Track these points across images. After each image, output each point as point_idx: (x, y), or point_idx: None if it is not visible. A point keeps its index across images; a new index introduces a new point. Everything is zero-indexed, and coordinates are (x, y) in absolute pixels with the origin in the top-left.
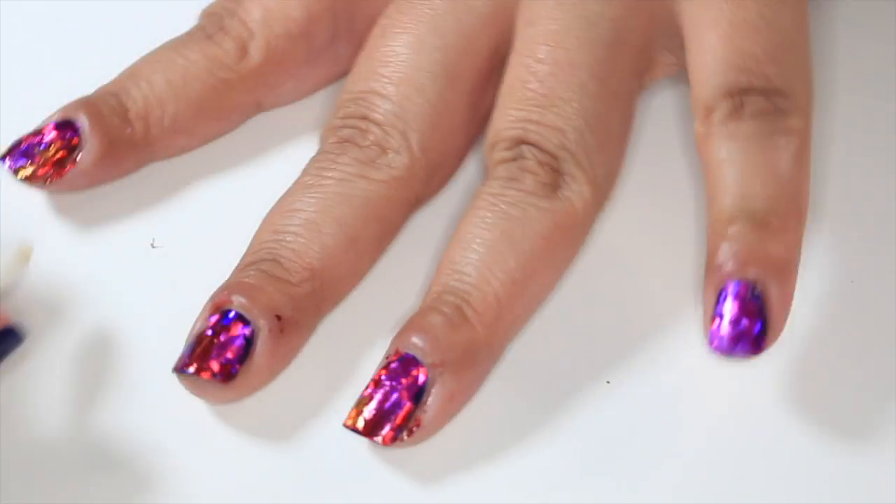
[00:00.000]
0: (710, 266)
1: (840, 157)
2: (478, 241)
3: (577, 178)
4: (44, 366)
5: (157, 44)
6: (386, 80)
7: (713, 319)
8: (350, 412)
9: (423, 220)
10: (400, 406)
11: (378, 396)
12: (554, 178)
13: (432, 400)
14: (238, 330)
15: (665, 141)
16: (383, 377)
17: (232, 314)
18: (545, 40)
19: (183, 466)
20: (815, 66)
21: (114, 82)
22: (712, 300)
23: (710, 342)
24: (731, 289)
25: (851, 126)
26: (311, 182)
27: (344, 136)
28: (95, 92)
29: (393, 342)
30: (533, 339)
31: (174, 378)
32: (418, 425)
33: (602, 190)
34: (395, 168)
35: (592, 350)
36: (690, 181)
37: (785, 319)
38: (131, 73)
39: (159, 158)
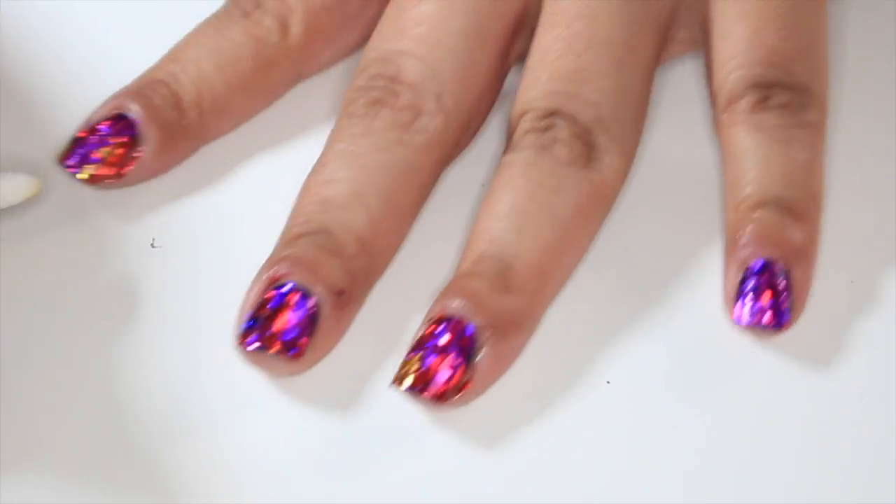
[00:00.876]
0: (734, 245)
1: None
2: (516, 210)
3: (610, 150)
4: (46, 366)
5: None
6: (419, 40)
7: (739, 295)
8: (398, 373)
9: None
10: (450, 367)
11: (427, 358)
12: (587, 151)
13: (481, 362)
14: (298, 302)
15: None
16: (429, 340)
17: (288, 286)
18: (579, 13)
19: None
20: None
21: (159, 68)
22: (737, 278)
23: (738, 318)
24: (758, 266)
25: (853, 124)
26: (348, 149)
27: (374, 97)
28: (143, 80)
29: (435, 305)
30: (533, 338)
31: (176, 378)
32: (466, 386)
33: (631, 161)
34: (431, 132)
35: (592, 350)
36: (690, 180)
37: (804, 303)
38: (175, 58)
39: (208, 141)
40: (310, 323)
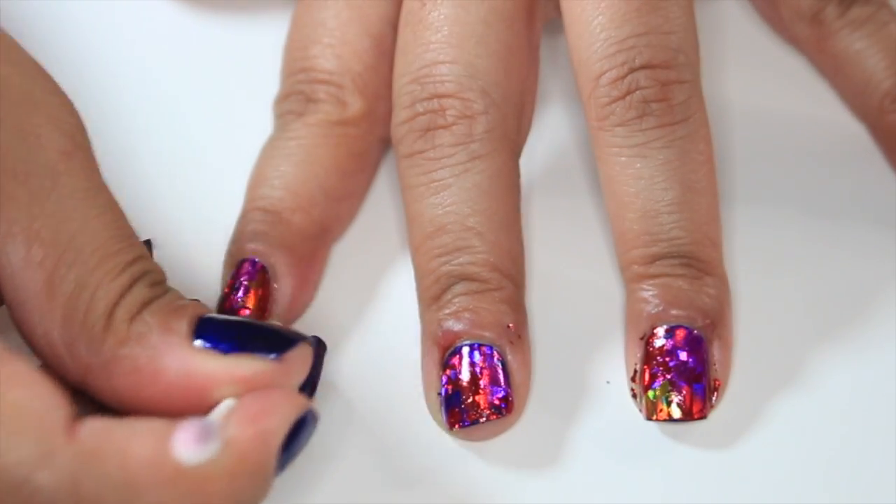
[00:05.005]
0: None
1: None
2: (659, 202)
3: (694, 80)
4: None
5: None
6: (444, 44)
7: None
8: (647, 406)
9: None
10: (701, 377)
11: (680, 383)
12: (680, 92)
13: (717, 356)
14: (483, 360)
15: None
16: (663, 359)
17: (465, 349)
18: None
19: None
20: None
21: (247, 201)
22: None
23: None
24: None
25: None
26: (429, 192)
27: (422, 125)
28: (239, 222)
29: (641, 323)
30: (533, 339)
31: None
32: (718, 385)
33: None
34: (492, 130)
35: (592, 350)
36: None
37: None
38: (258, 181)
39: (340, 233)
40: (503, 373)
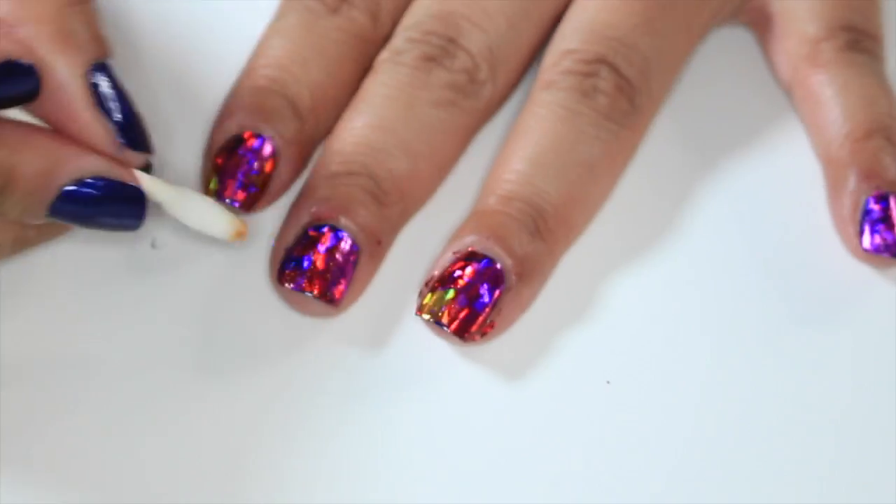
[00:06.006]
0: (848, 178)
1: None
2: (553, 156)
3: (645, 111)
4: (44, 365)
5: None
6: (482, 11)
7: (864, 224)
8: (422, 303)
9: None
10: (480, 308)
11: (461, 295)
12: (627, 108)
13: (506, 304)
14: (335, 243)
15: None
16: (464, 276)
17: (325, 227)
18: None
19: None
20: None
21: (261, 74)
22: (857, 208)
23: (867, 247)
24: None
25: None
26: (398, 96)
27: (427, 52)
28: (250, 89)
29: (464, 238)
30: (533, 338)
31: (174, 380)
32: (492, 327)
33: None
34: (482, 99)
35: (592, 350)
36: (692, 183)
37: None
38: (275, 62)
39: (320, 143)
40: (350, 269)
